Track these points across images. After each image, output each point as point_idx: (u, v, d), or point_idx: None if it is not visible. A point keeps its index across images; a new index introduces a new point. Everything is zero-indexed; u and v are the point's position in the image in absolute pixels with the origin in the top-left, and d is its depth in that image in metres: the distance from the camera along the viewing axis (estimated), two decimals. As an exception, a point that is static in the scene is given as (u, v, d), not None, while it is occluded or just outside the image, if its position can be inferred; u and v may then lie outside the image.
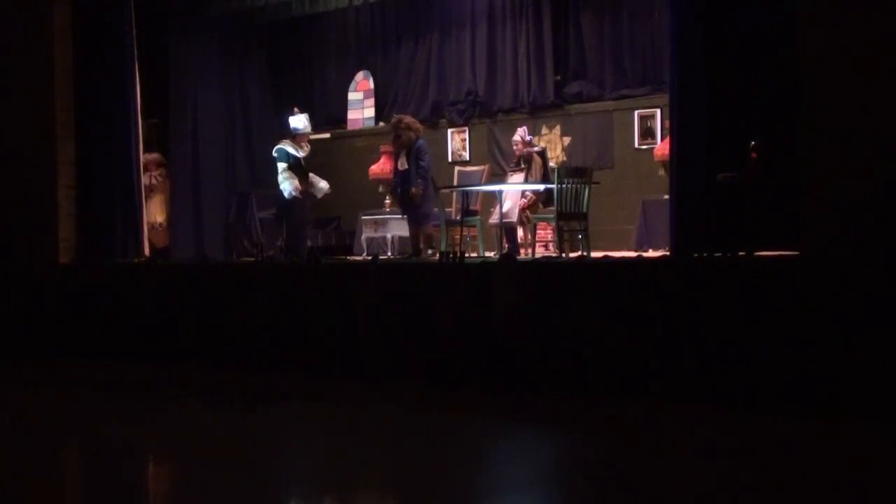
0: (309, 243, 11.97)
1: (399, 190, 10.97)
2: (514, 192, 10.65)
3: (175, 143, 12.74)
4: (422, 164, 10.64)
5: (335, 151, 14.09)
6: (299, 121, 11.66)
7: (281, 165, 11.42)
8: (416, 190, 10.53)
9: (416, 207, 10.68)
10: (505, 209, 10.38)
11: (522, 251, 10.52)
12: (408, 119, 11.10)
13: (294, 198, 11.36)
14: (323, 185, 11.70)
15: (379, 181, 13.07)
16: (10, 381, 9.05)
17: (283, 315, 8.68)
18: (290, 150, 11.45)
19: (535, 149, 11.06)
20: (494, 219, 10.69)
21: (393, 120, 11.29)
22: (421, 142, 10.83)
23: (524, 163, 10.88)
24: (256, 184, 13.47)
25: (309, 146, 11.74)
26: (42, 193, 10.47)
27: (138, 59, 10.96)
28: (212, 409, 7.39)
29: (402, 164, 10.78)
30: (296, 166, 11.44)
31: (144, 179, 11.45)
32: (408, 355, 7.89)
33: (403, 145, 10.79)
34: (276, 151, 11.53)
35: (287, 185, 11.35)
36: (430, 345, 7.79)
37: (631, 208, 11.55)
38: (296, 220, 11.56)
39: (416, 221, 10.78)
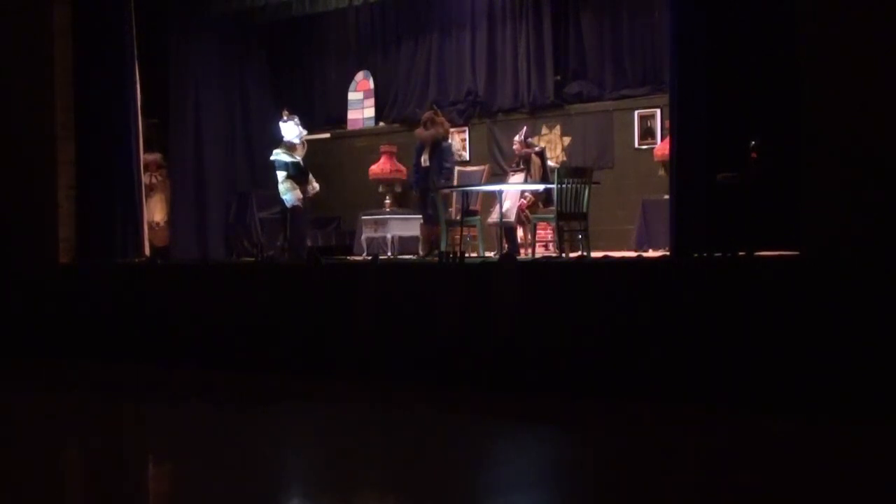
0: (309, 243, 11.95)
1: (419, 187, 10.99)
2: (513, 192, 10.65)
3: (175, 143, 12.74)
4: (446, 164, 10.93)
5: (335, 151, 14.08)
6: (289, 130, 11.45)
7: (280, 175, 11.34)
8: (440, 189, 10.66)
9: (434, 206, 10.72)
10: (505, 209, 10.38)
11: (522, 251, 10.51)
12: (443, 118, 11.21)
13: (295, 206, 11.33)
14: (314, 185, 11.63)
15: (379, 181, 13.06)
16: (10, 381, 9.05)
17: (283, 315, 8.68)
18: (286, 157, 11.33)
19: (535, 149, 11.06)
20: (494, 219, 10.69)
21: (429, 113, 11.28)
22: (447, 143, 10.97)
23: (523, 163, 10.88)
24: (256, 184, 13.45)
25: (305, 146, 11.65)
26: (42, 193, 10.45)
27: (138, 59, 10.93)
28: (212, 408, 7.39)
29: (425, 161, 10.82)
30: (295, 173, 11.36)
31: (144, 179, 11.42)
32: (408, 355, 7.89)
33: (431, 138, 10.85)
34: (273, 160, 11.46)
35: (289, 195, 11.27)
36: (431, 345, 7.80)
37: (631, 208, 11.54)
38: (297, 224, 11.53)
39: (435, 220, 10.81)
